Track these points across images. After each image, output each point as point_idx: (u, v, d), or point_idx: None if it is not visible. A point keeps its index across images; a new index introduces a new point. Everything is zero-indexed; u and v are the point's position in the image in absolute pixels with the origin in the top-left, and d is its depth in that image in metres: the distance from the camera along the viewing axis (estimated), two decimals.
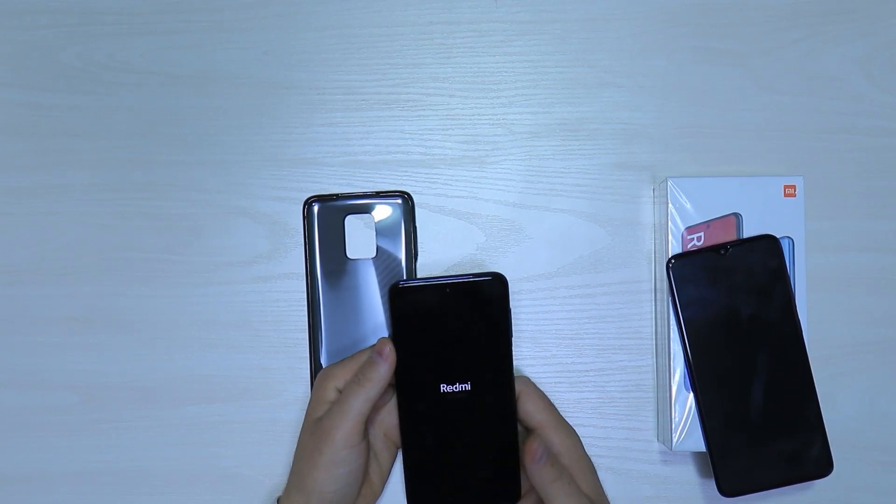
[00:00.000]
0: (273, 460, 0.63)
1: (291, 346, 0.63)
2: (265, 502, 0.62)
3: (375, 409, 0.58)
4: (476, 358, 0.56)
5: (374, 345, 0.58)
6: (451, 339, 0.56)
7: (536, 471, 0.55)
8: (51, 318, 0.63)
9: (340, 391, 0.57)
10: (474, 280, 0.57)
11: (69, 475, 0.63)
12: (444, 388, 0.57)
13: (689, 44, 0.63)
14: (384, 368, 0.56)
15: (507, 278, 0.57)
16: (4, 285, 0.64)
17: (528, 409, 0.57)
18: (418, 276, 0.62)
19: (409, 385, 0.57)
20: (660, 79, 0.63)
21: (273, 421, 0.63)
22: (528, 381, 0.58)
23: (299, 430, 0.59)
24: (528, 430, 0.57)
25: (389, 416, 0.58)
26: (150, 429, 0.63)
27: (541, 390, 0.58)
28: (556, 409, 0.58)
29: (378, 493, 0.60)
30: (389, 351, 0.56)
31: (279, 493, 0.59)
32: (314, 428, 0.57)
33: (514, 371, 0.58)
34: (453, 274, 0.58)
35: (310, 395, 0.62)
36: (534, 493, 0.58)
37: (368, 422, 0.56)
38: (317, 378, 0.59)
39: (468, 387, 0.56)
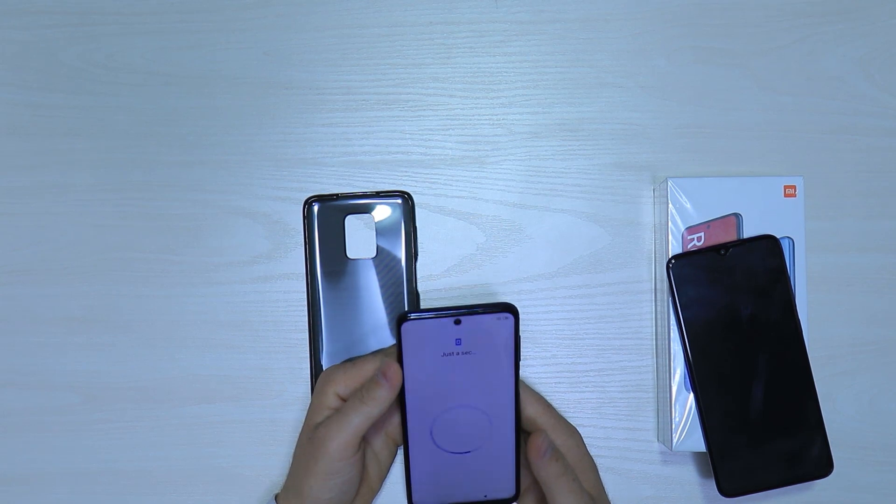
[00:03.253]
0: (272, 460, 0.63)
1: (291, 346, 0.63)
2: (263, 498, 0.62)
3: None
4: (483, 383, 0.56)
5: (380, 352, 0.57)
6: (459, 366, 0.56)
7: (542, 466, 0.54)
8: (51, 318, 0.63)
9: (341, 397, 0.57)
10: (484, 314, 0.55)
11: (69, 475, 0.63)
12: (449, 406, 0.56)
13: (689, 44, 0.63)
14: (387, 391, 0.54)
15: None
16: (4, 285, 0.64)
17: (527, 413, 0.57)
18: (415, 284, 0.62)
19: (414, 401, 0.56)
20: (660, 79, 0.63)
21: (273, 421, 0.63)
22: (523, 384, 0.58)
23: (299, 430, 0.59)
24: (527, 433, 0.57)
25: (391, 415, 0.58)
26: (150, 429, 0.63)
27: (537, 392, 0.58)
28: (554, 410, 0.58)
29: (376, 491, 0.60)
30: (394, 374, 0.54)
31: (278, 491, 0.59)
32: (312, 434, 0.56)
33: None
34: (462, 305, 0.55)
35: (310, 395, 0.62)
36: (531, 492, 0.58)
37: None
38: (318, 381, 0.58)
39: (474, 407, 0.56)
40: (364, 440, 0.56)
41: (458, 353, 0.55)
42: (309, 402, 0.62)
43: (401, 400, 0.56)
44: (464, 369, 0.56)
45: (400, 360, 0.55)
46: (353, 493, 0.57)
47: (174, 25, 0.64)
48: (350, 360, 0.59)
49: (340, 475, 0.55)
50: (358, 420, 0.54)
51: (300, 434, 0.58)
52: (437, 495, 0.58)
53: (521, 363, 0.57)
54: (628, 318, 0.63)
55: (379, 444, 0.59)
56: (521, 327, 0.61)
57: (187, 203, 0.63)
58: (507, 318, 0.55)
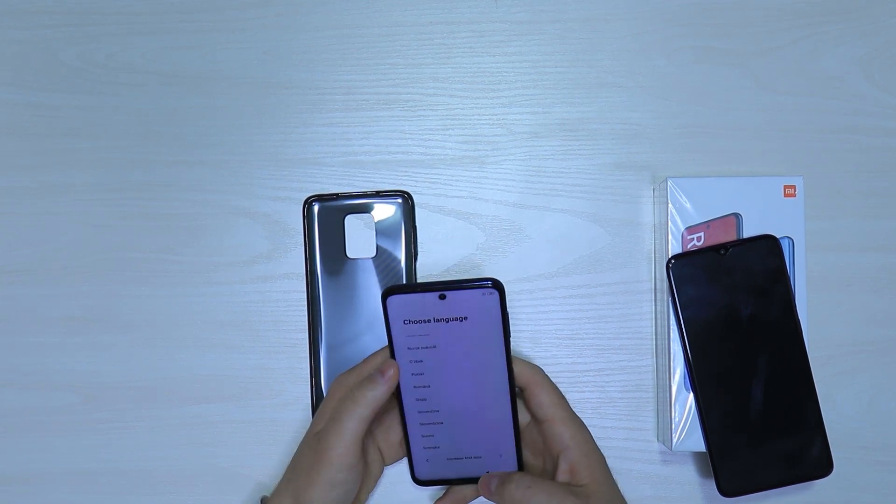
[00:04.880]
0: (272, 460, 0.63)
1: (291, 346, 0.63)
2: (250, 498, 0.62)
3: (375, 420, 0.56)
4: (473, 360, 0.56)
5: (380, 352, 0.57)
6: (448, 344, 0.56)
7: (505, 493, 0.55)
8: (51, 318, 0.63)
9: None
10: (469, 288, 0.54)
11: (69, 475, 0.63)
12: (442, 385, 0.56)
13: (689, 44, 0.63)
14: (383, 390, 0.54)
15: (505, 279, 0.56)
16: (4, 285, 0.64)
17: (541, 400, 0.56)
18: (414, 281, 0.62)
19: (407, 377, 0.56)
20: (660, 79, 0.63)
21: (273, 421, 0.63)
22: (541, 371, 0.57)
23: (299, 429, 0.59)
24: (538, 422, 0.57)
25: (385, 433, 0.58)
26: (150, 429, 0.63)
27: (553, 383, 0.58)
28: (567, 404, 0.57)
29: (377, 478, 0.59)
30: (392, 374, 0.55)
31: (266, 493, 0.59)
32: (314, 443, 0.55)
33: (527, 359, 0.58)
34: (450, 280, 0.55)
35: (310, 394, 0.62)
36: (535, 467, 0.58)
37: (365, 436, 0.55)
38: (330, 387, 0.57)
39: (467, 384, 0.56)
40: (365, 453, 0.56)
41: (445, 328, 0.55)
42: (309, 401, 0.62)
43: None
44: (452, 344, 0.55)
45: (389, 335, 0.55)
46: (350, 502, 0.57)
47: (174, 25, 0.64)
48: (358, 365, 0.58)
49: (343, 486, 0.54)
50: (352, 424, 0.54)
51: (303, 439, 0.57)
52: (438, 471, 0.58)
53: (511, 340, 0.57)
54: (628, 318, 0.63)
55: (371, 456, 0.58)
56: (521, 326, 0.61)
57: (187, 203, 0.63)
58: (491, 293, 0.54)
